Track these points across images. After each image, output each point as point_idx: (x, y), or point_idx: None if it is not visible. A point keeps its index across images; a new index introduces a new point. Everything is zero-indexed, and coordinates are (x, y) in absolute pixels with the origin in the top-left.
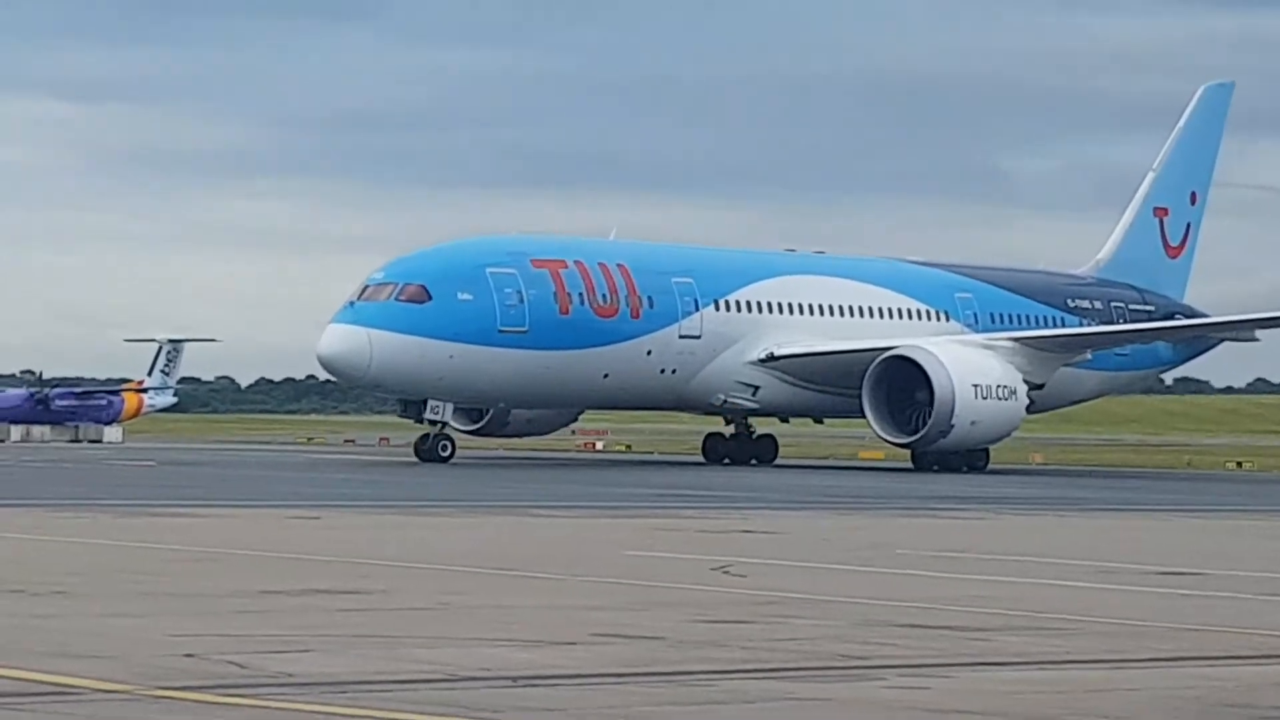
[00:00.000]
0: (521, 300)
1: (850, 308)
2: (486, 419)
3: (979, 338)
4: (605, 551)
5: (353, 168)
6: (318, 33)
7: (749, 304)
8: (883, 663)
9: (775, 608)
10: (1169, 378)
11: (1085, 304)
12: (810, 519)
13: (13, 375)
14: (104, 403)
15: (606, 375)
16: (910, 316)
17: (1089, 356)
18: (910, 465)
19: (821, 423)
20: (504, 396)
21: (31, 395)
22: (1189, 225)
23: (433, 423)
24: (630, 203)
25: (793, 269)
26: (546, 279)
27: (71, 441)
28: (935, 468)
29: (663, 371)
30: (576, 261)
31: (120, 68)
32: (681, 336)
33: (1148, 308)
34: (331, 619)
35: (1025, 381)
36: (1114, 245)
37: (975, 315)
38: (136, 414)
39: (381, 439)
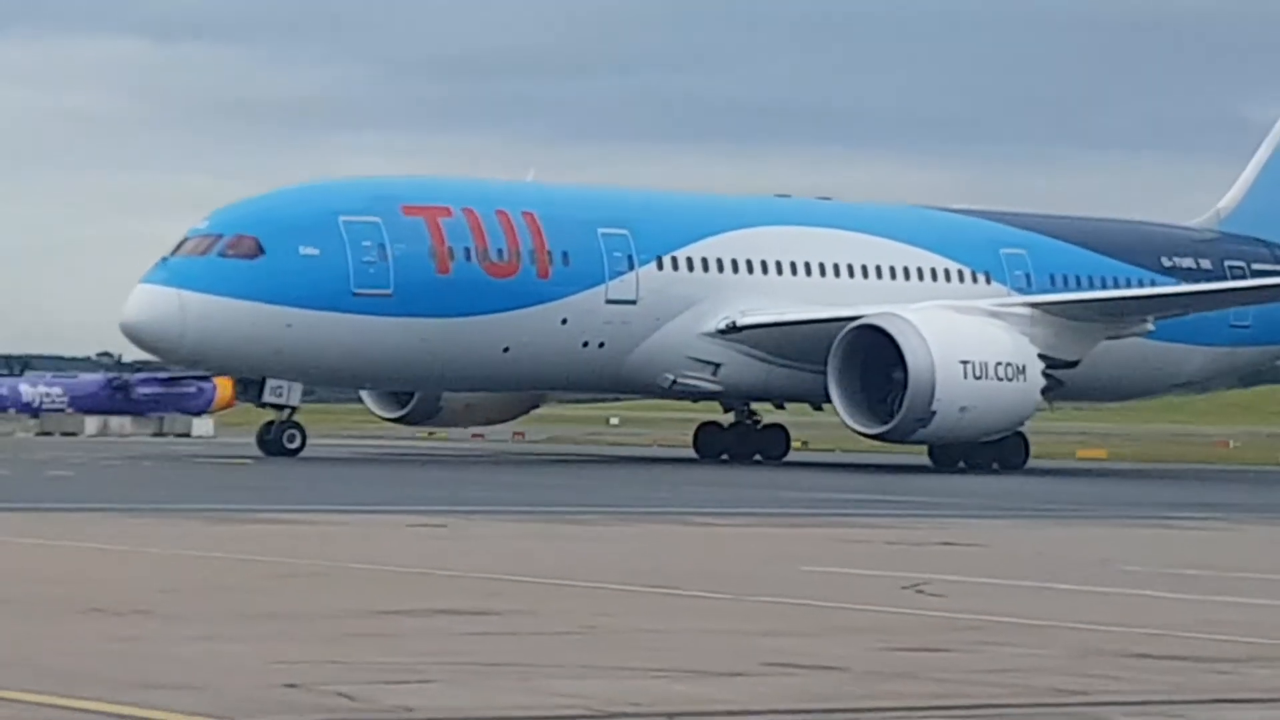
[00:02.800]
0: (384, 256)
1: (845, 266)
2: (411, 404)
3: (985, 304)
4: (778, 567)
5: (473, 120)
6: None
7: (704, 261)
8: (1106, 699)
9: (978, 633)
10: None
11: (1188, 262)
12: (1014, 529)
13: (88, 359)
14: (193, 390)
15: (507, 349)
16: (934, 278)
17: (1151, 327)
18: (929, 463)
19: (782, 408)
20: (369, 374)
21: (110, 382)
22: None
23: (276, 406)
24: (801, 159)
25: (769, 219)
26: (420, 230)
27: (155, 435)
28: (961, 465)
29: (585, 345)
30: (465, 209)
31: (203, 4)
32: (610, 301)
33: None
34: (458, 644)
35: (1048, 358)
36: (1241, 191)
37: (1028, 276)
38: (230, 404)
39: (515, 434)
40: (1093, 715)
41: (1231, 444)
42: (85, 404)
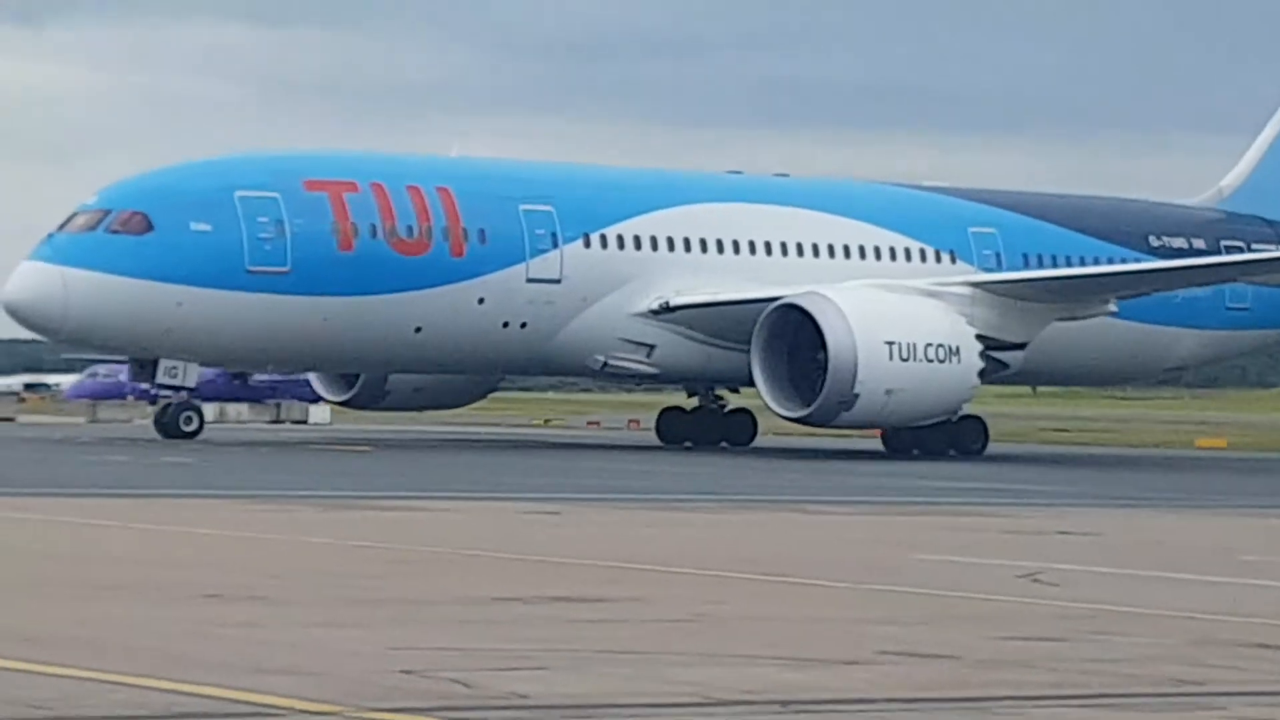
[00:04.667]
0: (282, 232)
1: (795, 245)
2: (357, 387)
3: (921, 283)
4: (892, 555)
5: (583, 103)
6: None
7: (636, 239)
8: (1223, 689)
9: (1094, 623)
10: None
11: (1179, 242)
12: (1131, 518)
13: None
14: (303, 378)
15: (419, 329)
16: (892, 257)
17: (1113, 308)
18: (882, 451)
19: (738, 392)
20: (268, 354)
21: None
22: None
23: (170, 388)
24: (914, 142)
25: (711, 195)
26: (322, 205)
27: (272, 422)
28: (915, 452)
29: (506, 325)
30: (373, 184)
31: None
32: (531, 280)
33: None
34: (572, 631)
35: (990, 339)
36: (1247, 168)
37: (998, 256)
38: None
39: (631, 421)
40: (1211, 705)
41: None
42: (203, 391)
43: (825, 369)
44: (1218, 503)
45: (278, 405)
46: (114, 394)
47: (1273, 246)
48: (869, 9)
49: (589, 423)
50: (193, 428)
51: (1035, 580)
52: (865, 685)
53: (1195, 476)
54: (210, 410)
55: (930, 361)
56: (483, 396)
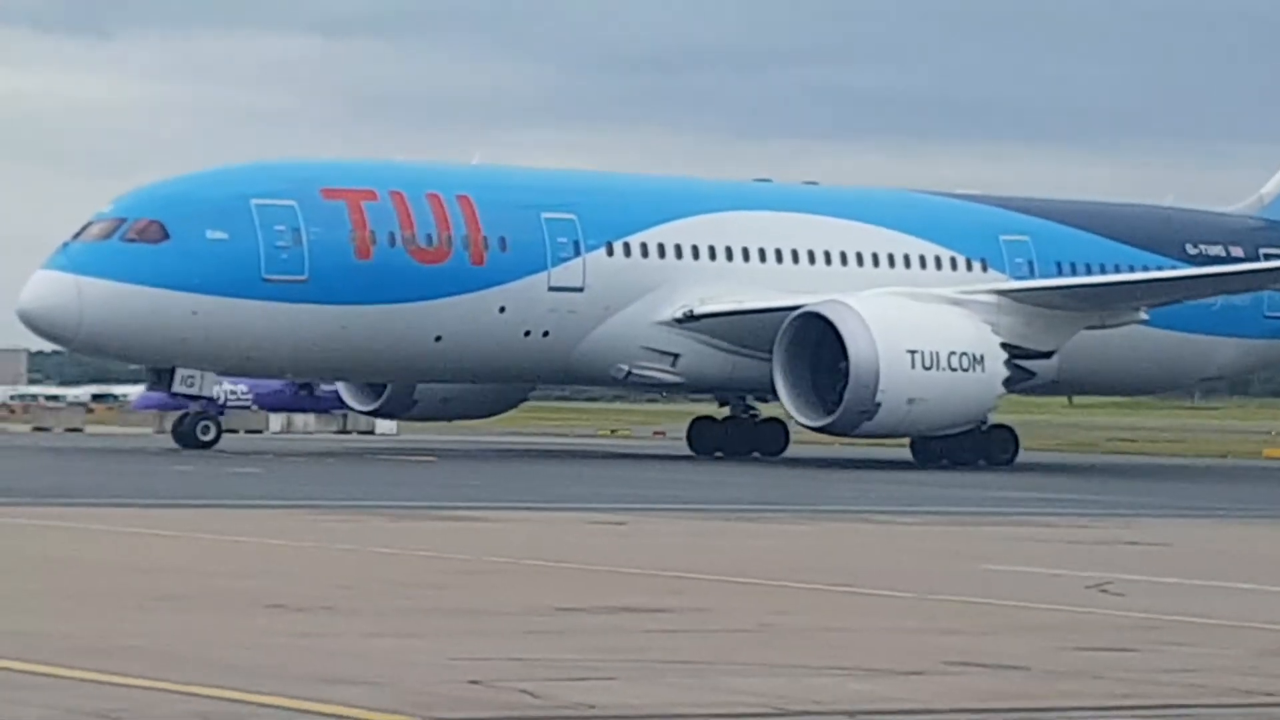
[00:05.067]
0: (299, 240)
1: (823, 253)
2: (385, 396)
3: (947, 291)
4: (960, 565)
5: (643, 116)
6: None
7: (659, 247)
8: None
9: (1162, 633)
10: None
11: (1216, 250)
12: (1198, 528)
13: None
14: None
15: (439, 338)
16: (922, 265)
17: (1144, 316)
18: (911, 460)
19: (765, 401)
20: (286, 363)
21: (294, 379)
22: None
23: (187, 396)
24: (971, 153)
25: (738, 204)
26: (340, 214)
27: (339, 432)
28: (944, 462)
29: (527, 334)
30: (392, 192)
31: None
32: (553, 289)
33: None
34: (639, 641)
35: (1016, 347)
36: None
37: (1030, 264)
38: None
39: (656, 433)
40: (1276, 716)
41: None
42: (269, 401)
43: (846, 377)
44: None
45: (344, 416)
46: (179, 405)
47: None
48: (916, 25)
49: (655, 433)
50: (210, 437)
51: (1103, 590)
52: (931, 695)
53: (1263, 487)
54: (277, 421)
55: (954, 370)
56: (512, 407)
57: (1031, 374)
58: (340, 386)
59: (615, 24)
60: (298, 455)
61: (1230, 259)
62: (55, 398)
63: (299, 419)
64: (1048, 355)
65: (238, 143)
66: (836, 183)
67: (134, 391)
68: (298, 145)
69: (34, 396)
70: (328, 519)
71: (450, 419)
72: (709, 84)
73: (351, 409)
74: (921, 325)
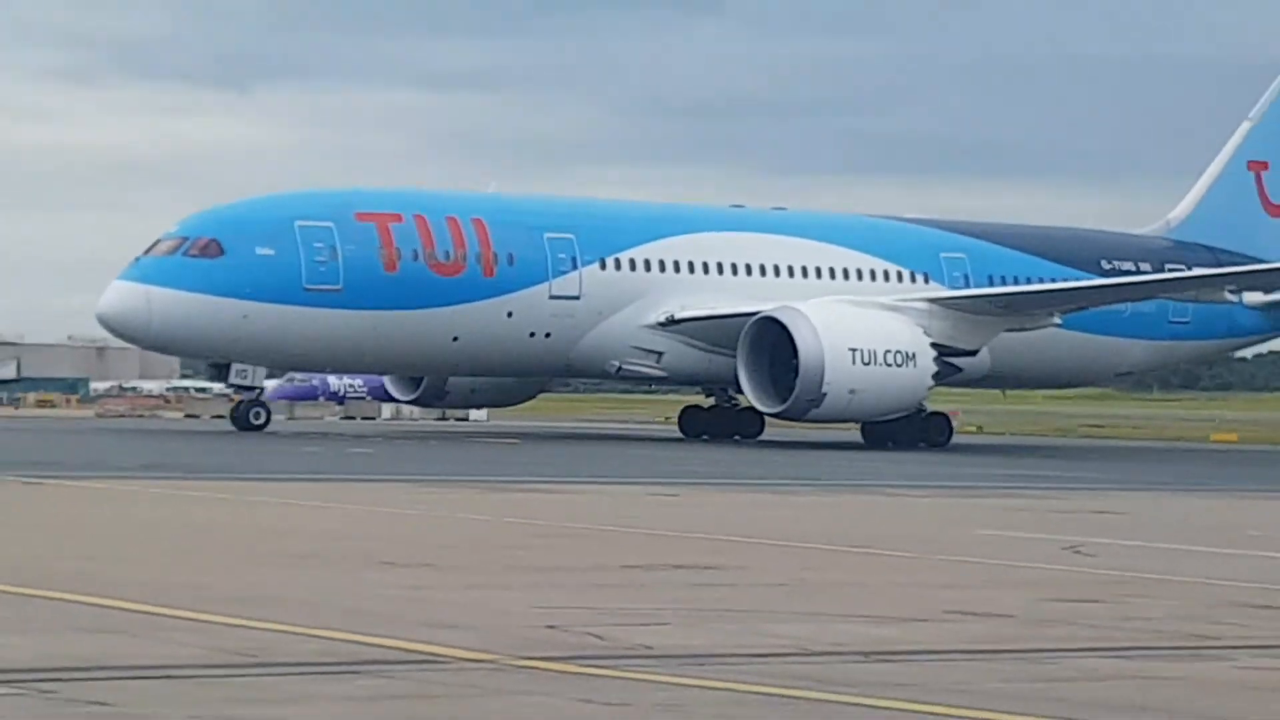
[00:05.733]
0: (335, 255)
1: (784, 267)
2: (421, 388)
3: (886, 299)
4: (958, 531)
5: (693, 155)
6: (667, 24)
7: (645, 262)
8: (1234, 643)
9: (1125, 588)
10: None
11: (1128, 265)
12: (1157, 500)
13: None
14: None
15: (456, 338)
16: (872, 278)
17: (1058, 320)
18: (861, 443)
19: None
20: (324, 359)
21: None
22: None
23: (241, 387)
24: (968, 188)
25: (714, 225)
26: (370, 234)
27: (439, 419)
28: (890, 444)
29: (532, 335)
30: (416, 215)
31: (473, 58)
32: (553, 297)
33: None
34: (689, 594)
35: (944, 347)
36: (1192, 202)
37: (966, 277)
38: None
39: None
40: (1223, 657)
41: None
42: (380, 393)
43: (798, 372)
44: (1230, 487)
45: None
46: (308, 395)
47: (1212, 269)
48: (920, 75)
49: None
50: (260, 421)
51: (1076, 552)
52: (933, 639)
53: (1209, 466)
54: (387, 409)
55: (889, 366)
56: (531, 397)
57: (958, 369)
58: (386, 380)
59: (669, 80)
60: (404, 438)
61: (1139, 273)
62: (203, 390)
63: (406, 408)
64: (973, 353)
65: (356, 178)
66: (846, 212)
67: (269, 385)
68: (406, 180)
69: (186, 389)
70: (429, 491)
71: (478, 406)
72: (742, 129)
73: (395, 399)
74: (861, 328)
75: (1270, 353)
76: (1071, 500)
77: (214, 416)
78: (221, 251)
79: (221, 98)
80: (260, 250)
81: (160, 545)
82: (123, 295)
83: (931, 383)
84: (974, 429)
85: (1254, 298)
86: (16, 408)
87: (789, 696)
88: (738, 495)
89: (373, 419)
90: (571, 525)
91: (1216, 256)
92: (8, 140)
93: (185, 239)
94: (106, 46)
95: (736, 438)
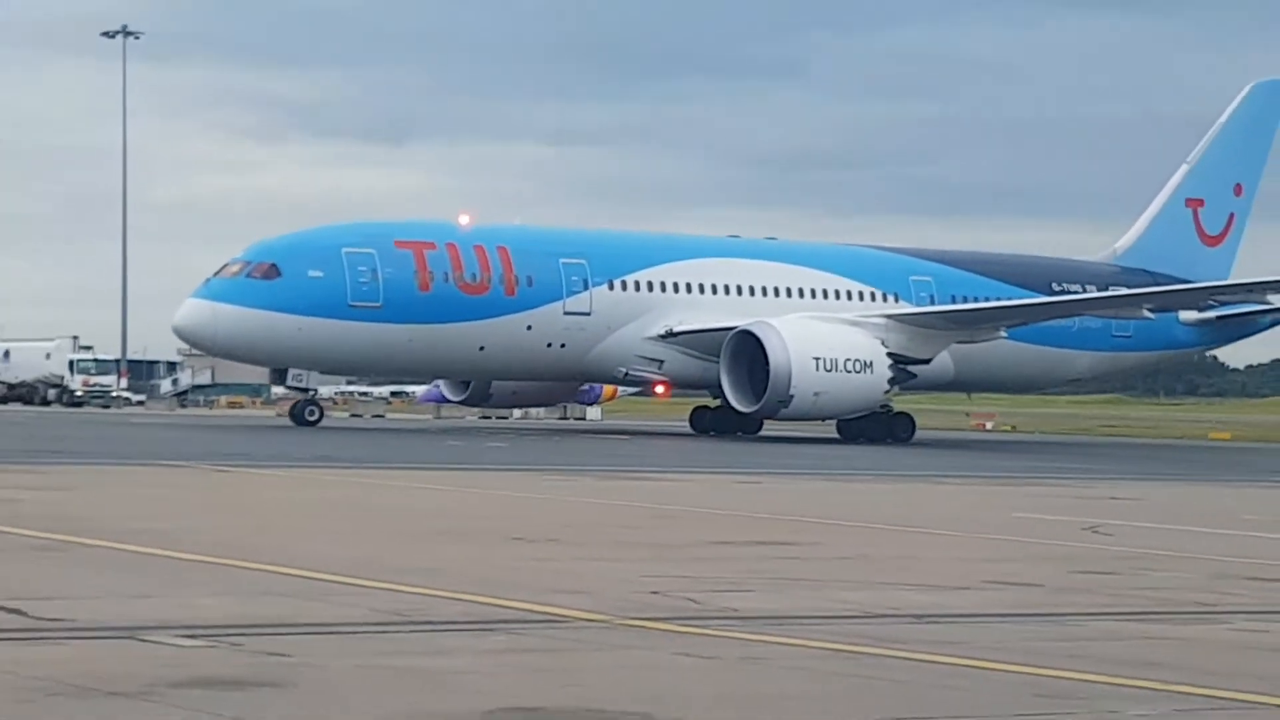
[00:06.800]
0: (376, 277)
1: (771, 289)
2: (469, 391)
3: (849, 315)
4: (997, 514)
5: (774, 200)
6: (754, 90)
7: (649, 284)
8: (1231, 609)
9: (1138, 562)
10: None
11: (1075, 288)
12: (1164, 487)
13: None
14: (586, 388)
15: (482, 348)
16: (849, 298)
17: (1003, 334)
18: (838, 437)
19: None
20: (368, 366)
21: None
22: (1233, 215)
23: (298, 389)
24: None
25: (711, 252)
26: (408, 259)
27: (560, 418)
28: (861, 439)
29: (549, 346)
30: (448, 244)
31: (592, 119)
32: (567, 313)
33: None
34: (771, 565)
35: (900, 356)
36: (1136, 233)
37: (932, 297)
38: (613, 397)
39: None
40: (1221, 620)
41: None
42: (436, 395)
43: (768, 377)
44: (1227, 478)
45: (565, 407)
46: (446, 398)
47: (1128, 290)
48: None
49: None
50: (314, 418)
51: (1095, 531)
52: (974, 605)
53: (1208, 459)
54: (518, 410)
55: (849, 372)
56: (564, 399)
57: (913, 375)
58: (440, 384)
59: (754, 137)
60: (533, 434)
61: (1086, 294)
62: (365, 393)
63: (534, 410)
64: (926, 361)
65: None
66: (897, 244)
67: (419, 389)
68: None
69: (351, 392)
70: (553, 478)
71: (519, 407)
72: (815, 177)
73: (448, 400)
74: (825, 339)
75: (1259, 364)
76: (1092, 488)
77: (374, 416)
78: (279, 274)
79: (377, 150)
80: (312, 273)
81: (327, 523)
82: (193, 310)
83: (888, 387)
84: (1009, 428)
85: (1189, 315)
86: (211, 408)
87: (852, 652)
88: (809, 482)
89: (506, 418)
90: (672, 508)
91: (1156, 280)
92: (212, 187)
93: (248, 263)
94: (287, 108)
95: (739, 434)
